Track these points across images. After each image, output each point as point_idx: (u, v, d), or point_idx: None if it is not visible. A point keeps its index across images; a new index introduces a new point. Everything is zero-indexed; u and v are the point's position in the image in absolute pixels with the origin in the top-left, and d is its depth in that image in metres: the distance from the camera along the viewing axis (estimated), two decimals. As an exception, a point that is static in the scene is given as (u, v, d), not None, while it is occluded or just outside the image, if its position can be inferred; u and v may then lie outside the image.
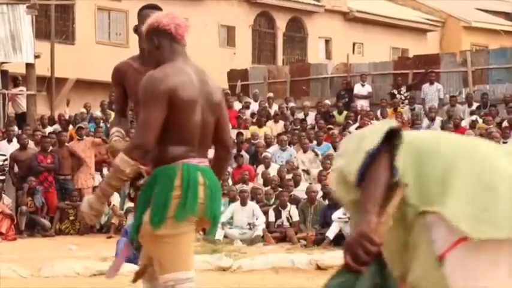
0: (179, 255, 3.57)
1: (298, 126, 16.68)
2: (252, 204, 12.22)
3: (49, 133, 14.96)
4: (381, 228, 2.31)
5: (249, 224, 11.95)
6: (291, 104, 18.52)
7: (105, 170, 13.98)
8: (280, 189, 12.71)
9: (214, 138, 3.82)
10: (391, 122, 2.48)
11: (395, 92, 18.25)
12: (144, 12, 4.37)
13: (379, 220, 2.32)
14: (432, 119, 15.71)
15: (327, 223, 11.66)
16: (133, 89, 4.36)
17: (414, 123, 15.83)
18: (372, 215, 2.32)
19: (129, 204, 11.17)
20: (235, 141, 15.35)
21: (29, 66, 17.94)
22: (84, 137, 14.29)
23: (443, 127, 15.17)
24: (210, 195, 3.61)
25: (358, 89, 18.66)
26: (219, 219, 3.74)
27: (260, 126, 16.45)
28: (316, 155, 14.32)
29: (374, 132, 2.46)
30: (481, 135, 13.69)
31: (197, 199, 3.56)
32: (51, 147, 13.72)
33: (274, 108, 18.17)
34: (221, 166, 3.92)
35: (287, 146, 14.80)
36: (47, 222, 13.09)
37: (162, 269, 3.58)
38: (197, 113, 3.61)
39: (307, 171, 14.11)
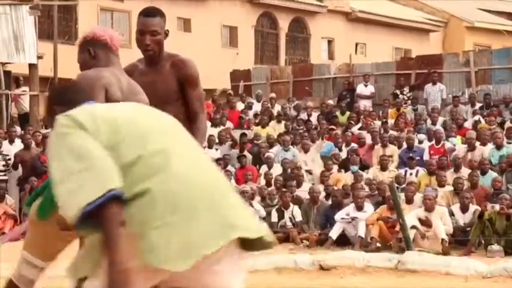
0: (43, 244, 3.76)
1: (302, 127, 16.68)
2: (254, 205, 12.20)
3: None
4: (133, 277, 2.48)
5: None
6: (296, 102, 18.50)
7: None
8: (283, 189, 12.71)
9: None
10: (111, 182, 2.52)
11: (398, 92, 18.23)
12: (139, 19, 4.37)
13: (130, 271, 2.47)
14: (435, 119, 15.71)
15: (330, 223, 11.66)
16: None
17: (417, 124, 15.82)
18: (122, 266, 2.46)
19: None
20: (239, 141, 15.36)
21: (32, 66, 17.95)
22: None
23: (446, 127, 15.17)
24: None
25: (361, 89, 18.65)
26: None
27: (263, 127, 16.44)
28: None
29: (94, 182, 2.51)
30: (484, 135, 13.70)
31: None
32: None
33: (277, 108, 18.16)
34: None
35: (290, 147, 14.79)
36: (50, 223, 13.08)
37: (26, 244, 3.80)
38: None
39: (309, 172, 14.12)
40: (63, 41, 22.55)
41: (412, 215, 10.56)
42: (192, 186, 2.64)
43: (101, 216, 2.49)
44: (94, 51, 3.84)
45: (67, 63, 21.37)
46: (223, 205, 2.67)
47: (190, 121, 4.43)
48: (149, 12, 4.37)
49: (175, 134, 2.82)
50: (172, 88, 4.36)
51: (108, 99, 3.62)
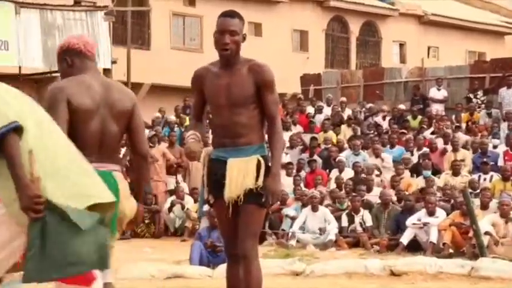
0: None
1: (372, 131, 16.56)
2: (323, 210, 12.17)
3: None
4: (37, 184, 3.10)
5: (320, 229, 11.91)
6: (370, 105, 18.34)
7: (179, 176, 14.16)
8: (353, 193, 12.64)
9: (130, 146, 4.19)
10: (12, 115, 3.10)
11: (471, 96, 17.93)
12: (219, 20, 4.43)
13: (32, 179, 3.09)
14: (510, 124, 15.35)
15: (400, 229, 11.54)
16: (211, 93, 4.45)
17: (493, 128, 15.48)
18: (25, 179, 3.07)
19: (204, 208, 11.27)
20: (309, 145, 15.30)
21: (106, 71, 18.31)
22: (156, 144, 14.47)
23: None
24: None
25: (434, 93, 18.41)
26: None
27: (326, 131, 16.31)
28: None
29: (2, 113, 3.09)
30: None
31: None
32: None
33: (347, 112, 18.07)
34: (139, 172, 4.23)
35: (360, 151, 14.69)
36: (123, 225, 13.27)
37: None
38: (94, 121, 3.92)
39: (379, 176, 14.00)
40: (137, 46, 22.96)
41: (486, 221, 10.36)
42: (66, 165, 3.21)
43: (5, 143, 3.07)
44: (71, 59, 4.03)
45: (140, 68, 21.79)
46: (85, 179, 3.25)
47: (268, 125, 4.48)
48: (229, 14, 4.44)
49: (47, 121, 3.32)
50: (248, 92, 4.38)
51: (73, 109, 3.87)
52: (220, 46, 4.39)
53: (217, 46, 4.43)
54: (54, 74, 18.77)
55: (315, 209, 12.06)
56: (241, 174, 4.36)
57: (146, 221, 13.43)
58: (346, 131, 16.66)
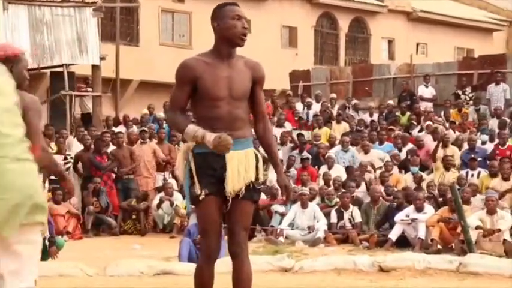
0: None
1: (362, 127, 16.58)
2: (312, 207, 12.18)
3: (111, 133, 15.15)
4: None
5: (309, 227, 11.92)
6: (355, 102, 18.38)
7: (166, 173, 14.13)
8: (342, 190, 12.65)
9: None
10: None
11: (459, 92, 17.98)
12: (229, 7, 4.29)
13: None
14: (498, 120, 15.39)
15: (389, 224, 11.56)
16: (210, 84, 4.26)
17: (481, 124, 15.53)
18: None
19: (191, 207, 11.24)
20: (297, 142, 15.30)
21: (95, 67, 18.26)
22: (148, 140, 14.44)
23: (511, 128, 14.89)
24: None
25: (423, 90, 18.43)
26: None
27: (320, 128, 16.34)
28: None
29: None
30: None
31: None
32: (109, 148, 13.96)
33: (336, 109, 18.08)
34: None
35: (349, 147, 14.70)
36: (113, 222, 13.28)
37: None
38: None
39: (369, 172, 14.02)
40: (125, 43, 22.90)
41: (474, 217, 10.41)
42: None
43: None
44: None
45: (129, 64, 21.74)
46: None
47: (259, 122, 4.48)
48: (236, 3, 4.34)
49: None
50: (247, 86, 4.33)
51: None
52: (241, 31, 4.26)
53: (232, 32, 4.26)
54: (42, 70, 18.71)
55: (304, 205, 12.08)
56: (242, 166, 4.28)
57: (133, 217, 13.43)
58: (335, 127, 16.67)
